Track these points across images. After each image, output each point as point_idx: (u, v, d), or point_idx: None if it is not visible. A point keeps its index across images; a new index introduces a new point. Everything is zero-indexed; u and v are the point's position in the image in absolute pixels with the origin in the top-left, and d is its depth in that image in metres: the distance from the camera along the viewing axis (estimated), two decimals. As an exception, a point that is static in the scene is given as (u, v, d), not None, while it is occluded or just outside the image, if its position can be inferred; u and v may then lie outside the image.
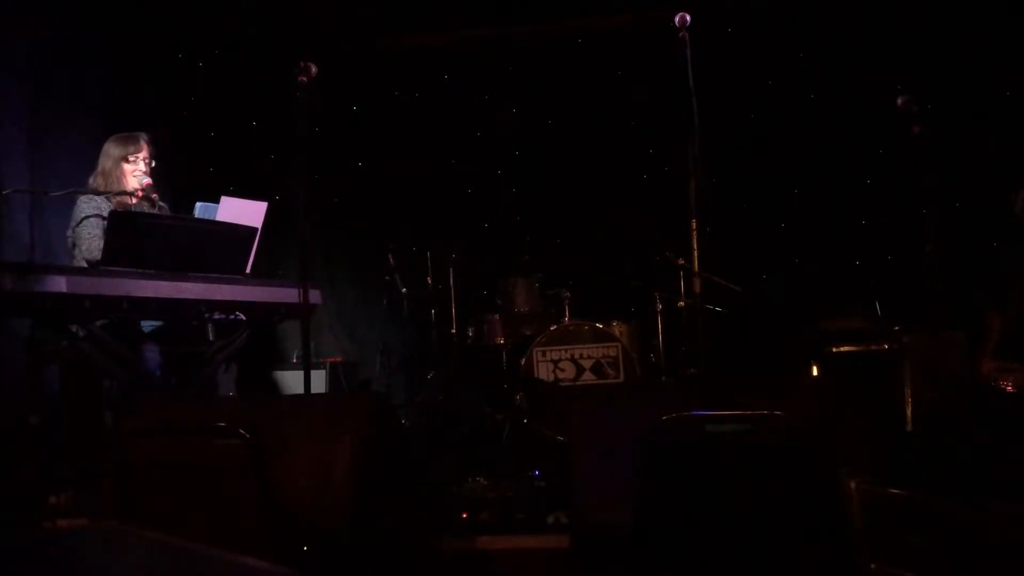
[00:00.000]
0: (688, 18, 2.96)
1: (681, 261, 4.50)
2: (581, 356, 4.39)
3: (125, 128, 3.48)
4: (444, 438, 4.45)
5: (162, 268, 2.72)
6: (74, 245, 3.23)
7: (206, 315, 3.02)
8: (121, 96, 4.64)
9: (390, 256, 5.16)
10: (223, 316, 3.08)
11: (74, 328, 2.72)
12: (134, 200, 3.34)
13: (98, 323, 2.80)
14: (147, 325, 3.18)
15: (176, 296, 2.72)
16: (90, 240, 3.16)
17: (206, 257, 2.91)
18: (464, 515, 2.49)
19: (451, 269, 4.87)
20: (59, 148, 4.08)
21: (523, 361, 4.40)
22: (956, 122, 4.43)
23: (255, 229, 3.25)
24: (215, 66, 5.41)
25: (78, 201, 3.27)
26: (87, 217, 3.19)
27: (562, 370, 4.38)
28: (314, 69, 3.01)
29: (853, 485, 1.65)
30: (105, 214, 3.24)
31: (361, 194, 5.93)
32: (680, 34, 2.98)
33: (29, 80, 3.99)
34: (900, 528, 1.62)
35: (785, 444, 1.60)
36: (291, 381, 5.09)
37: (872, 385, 3.24)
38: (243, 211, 3.33)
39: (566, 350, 4.40)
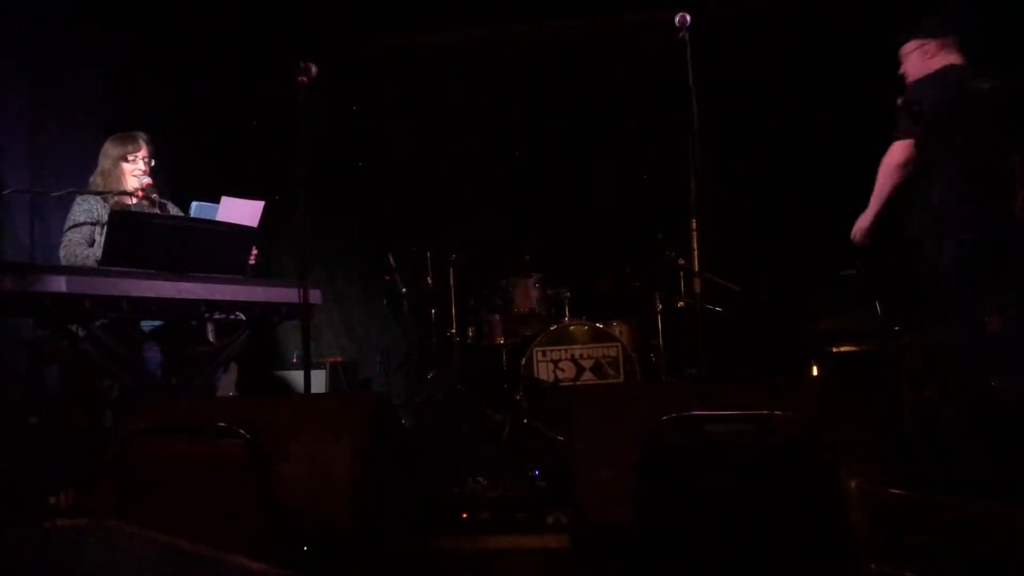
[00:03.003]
0: (688, 18, 2.96)
1: (681, 261, 4.50)
2: (581, 356, 4.39)
3: (125, 128, 3.48)
4: (444, 438, 4.45)
5: (162, 268, 2.72)
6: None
7: (206, 315, 3.02)
8: (121, 96, 4.64)
9: (390, 256, 5.17)
10: (223, 316, 3.08)
11: (74, 328, 2.72)
12: (133, 200, 3.34)
13: (98, 323, 2.80)
14: (147, 325, 3.18)
15: (176, 296, 2.72)
16: (74, 247, 3.16)
17: (206, 257, 2.92)
18: (464, 515, 2.49)
19: (451, 269, 4.88)
20: (59, 148, 4.08)
21: (523, 361, 4.40)
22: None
23: (255, 229, 3.25)
24: (215, 66, 5.41)
25: (73, 203, 3.27)
26: (76, 225, 3.19)
27: (562, 370, 4.38)
28: (314, 69, 3.01)
29: (853, 485, 1.65)
30: (98, 217, 3.24)
31: (361, 194, 5.93)
32: (680, 34, 2.98)
33: (29, 80, 3.99)
34: (900, 528, 1.62)
35: (785, 444, 1.60)
36: (291, 381, 5.09)
37: (872, 385, 3.24)
38: (241, 211, 3.34)
39: (566, 350, 4.40)
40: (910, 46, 3.18)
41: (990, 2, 3.84)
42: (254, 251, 3.26)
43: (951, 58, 3.06)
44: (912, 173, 3.13)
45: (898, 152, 3.11)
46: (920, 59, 3.12)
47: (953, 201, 2.95)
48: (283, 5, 5.24)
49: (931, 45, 3.09)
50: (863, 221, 3.37)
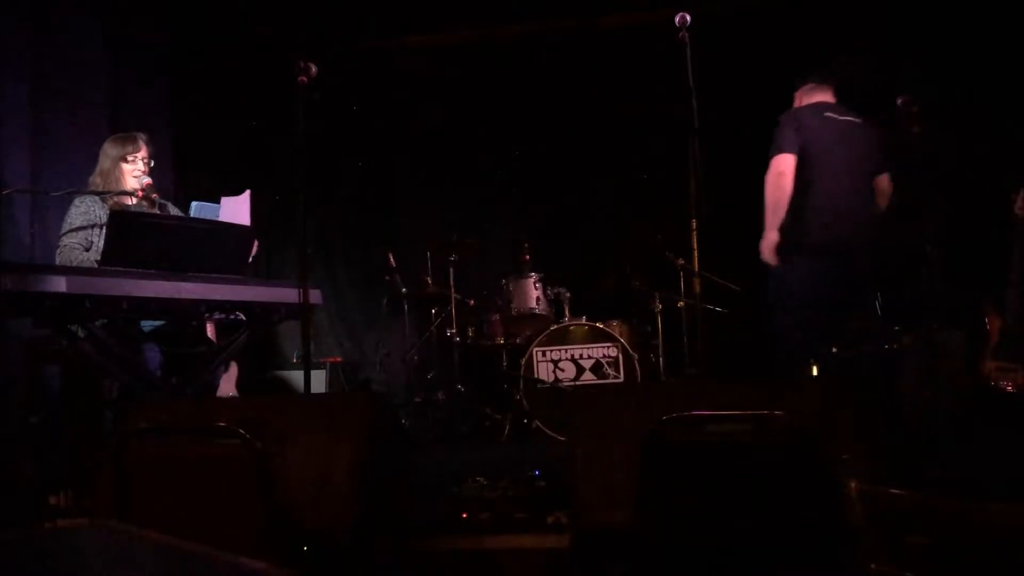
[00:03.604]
0: (688, 18, 2.97)
1: (681, 261, 4.50)
2: (581, 356, 4.39)
3: (125, 128, 3.48)
4: (444, 438, 4.45)
5: (162, 268, 2.72)
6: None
7: (206, 315, 3.01)
8: (121, 96, 4.64)
9: (390, 256, 5.17)
10: (223, 316, 3.08)
11: (74, 328, 2.72)
12: (133, 200, 3.33)
13: (98, 323, 2.80)
14: (147, 325, 3.18)
15: (176, 296, 2.72)
16: (69, 252, 3.14)
17: (206, 257, 2.91)
18: (464, 515, 2.49)
19: (451, 269, 4.88)
20: (59, 148, 4.08)
21: (523, 361, 4.40)
22: (956, 122, 4.42)
23: (254, 230, 3.25)
24: (215, 66, 5.41)
25: (71, 205, 3.26)
26: (72, 229, 3.17)
27: (562, 370, 4.38)
28: (314, 69, 3.01)
29: (853, 485, 1.65)
30: (96, 218, 3.23)
31: (361, 193, 5.93)
32: (680, 34, 2.98)
33: (29, 79, 3.99)
34: (900, 528, 1.62)
35: (785, 444, 1.60)
36: (291, 381, 5.09)
37: (872, 385, 3.24)
38: (237, 208, 3.34)
39: (566, 350, 4.40)
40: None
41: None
42: (255, 244, 3.25)
43: (816, 98, 3.59)
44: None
45: (781, 163, 3.43)
46: (796, 101, 3.70)
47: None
48: (283, 5, 5.24)
49: (799, 92, 3.69)
50: (769, 239, 3.54)
